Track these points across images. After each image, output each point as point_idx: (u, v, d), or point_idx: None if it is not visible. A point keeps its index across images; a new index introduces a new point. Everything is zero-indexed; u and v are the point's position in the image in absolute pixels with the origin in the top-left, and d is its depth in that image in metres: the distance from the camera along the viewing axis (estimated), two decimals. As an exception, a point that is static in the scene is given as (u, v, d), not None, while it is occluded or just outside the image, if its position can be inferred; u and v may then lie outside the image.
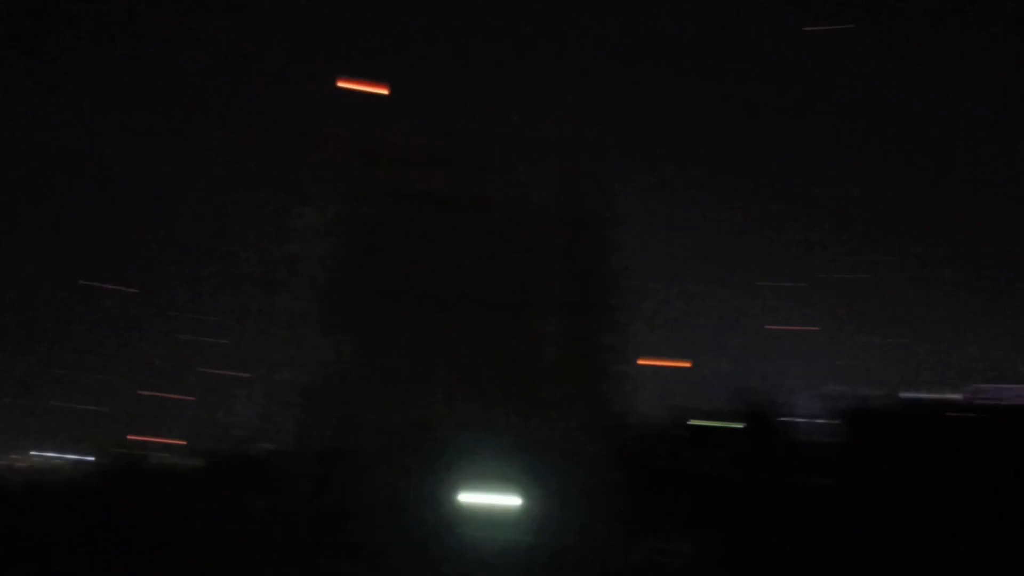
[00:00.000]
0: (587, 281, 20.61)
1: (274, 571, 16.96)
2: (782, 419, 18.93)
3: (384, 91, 22.72)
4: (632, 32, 25.04)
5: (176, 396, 23.86)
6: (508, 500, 16.91)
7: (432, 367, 20.01)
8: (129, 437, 21.67)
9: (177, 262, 23.42)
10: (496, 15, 24.91)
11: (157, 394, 23.56)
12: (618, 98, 24.84)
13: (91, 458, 21.89)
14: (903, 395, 19.57)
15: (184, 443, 22.38)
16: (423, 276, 21.09)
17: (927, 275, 23.69)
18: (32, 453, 22.08)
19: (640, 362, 20.56)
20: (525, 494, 16.84)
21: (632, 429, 18.74)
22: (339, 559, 17.06)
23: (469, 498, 16.87)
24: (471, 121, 22.92)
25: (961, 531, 15.82)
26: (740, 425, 18.62)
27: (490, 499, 16.86)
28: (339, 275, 21.97)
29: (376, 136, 22.06)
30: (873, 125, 24.34)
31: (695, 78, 24.66)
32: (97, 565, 17.03)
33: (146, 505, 18.97)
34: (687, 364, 21.44)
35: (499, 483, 16.84)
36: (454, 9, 24.85)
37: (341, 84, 22.52)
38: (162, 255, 23.73)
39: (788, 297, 23.46)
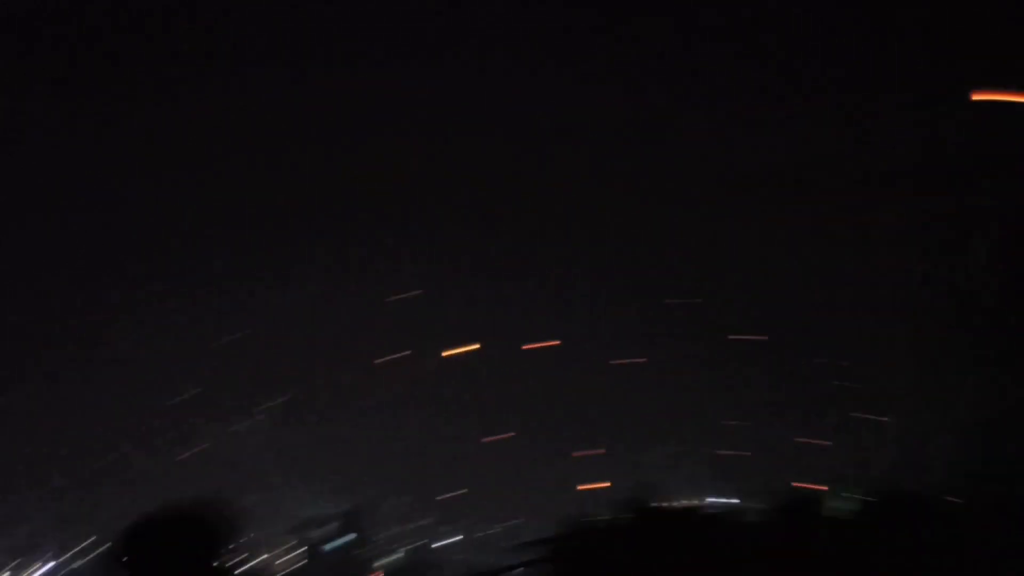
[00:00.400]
0: None
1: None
2: None
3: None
4: None
5: (820, 442, 24.43)
6: None
7: None
8: (793, 484, 22.38)
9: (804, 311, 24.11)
10: None
11: (807, 440, 24.28)
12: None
13: (750, 503, 22.83)
14: None
15: (825, 488, 22.70)
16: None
17: None
18: (708, 499, 23.51)
19: None
20: None
21: None
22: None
23: None
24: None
25: None
26: None
27: None
28: (1001, 304, 21.33)
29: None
30: None
31: None
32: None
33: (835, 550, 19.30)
34: None
35: None
36: None
37: (976, 96, 21.67)
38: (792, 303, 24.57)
39: None
